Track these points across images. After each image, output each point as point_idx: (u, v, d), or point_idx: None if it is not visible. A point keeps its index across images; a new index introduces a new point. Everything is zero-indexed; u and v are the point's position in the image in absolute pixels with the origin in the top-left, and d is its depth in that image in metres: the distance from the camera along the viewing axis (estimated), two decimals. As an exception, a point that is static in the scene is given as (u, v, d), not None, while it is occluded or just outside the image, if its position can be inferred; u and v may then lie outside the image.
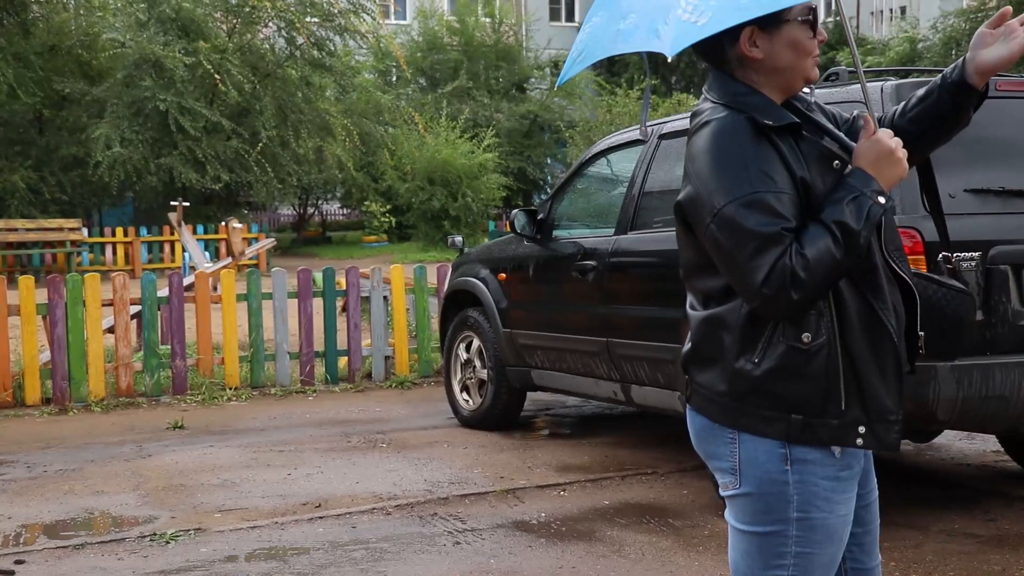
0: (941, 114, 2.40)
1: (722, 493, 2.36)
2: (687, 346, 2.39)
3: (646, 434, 7.31)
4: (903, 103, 2.47)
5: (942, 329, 2.42)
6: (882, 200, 2.18)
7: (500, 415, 7.45)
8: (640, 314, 6.01)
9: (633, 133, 6.59)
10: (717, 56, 2.32)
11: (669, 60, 2.23)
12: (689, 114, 6.63)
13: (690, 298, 2.41)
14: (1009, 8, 2.40)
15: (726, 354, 2.25)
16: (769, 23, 2.24)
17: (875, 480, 2.46)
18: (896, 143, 2.24)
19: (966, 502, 5.50)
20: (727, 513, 2.38)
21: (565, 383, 6.86)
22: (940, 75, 2.41)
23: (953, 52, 28.26)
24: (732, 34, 2.24)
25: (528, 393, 7.59)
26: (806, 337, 2.19)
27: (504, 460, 6.63)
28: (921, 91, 2.45)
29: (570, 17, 42.95)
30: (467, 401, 7.68)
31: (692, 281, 2.39)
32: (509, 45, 34.49)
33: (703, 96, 2.37)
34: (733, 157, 2.18)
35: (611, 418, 8.00)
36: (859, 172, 2.21)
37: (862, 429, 2.24)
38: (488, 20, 33.97)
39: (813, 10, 2.29)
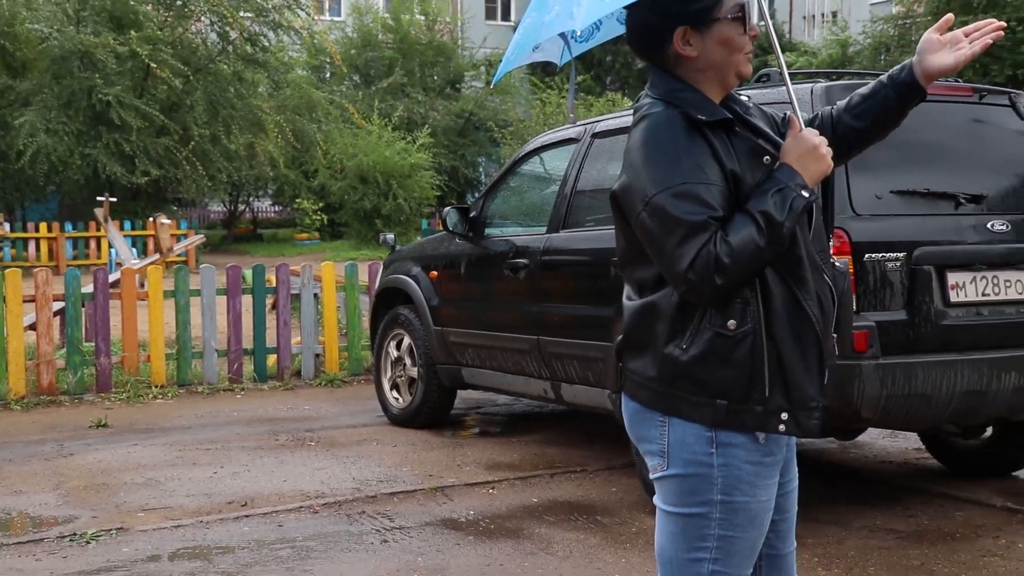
0: (886, 111, 2.51)
1: (651, 476, 2.43)
2: (622, 336, 2.45)
3: (576, 432, 7.32)
4: (845, 100, 2.56)
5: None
6: (805, 193, 2.27)
7: (430, 413, 7.42)
8: (571, 312, 6.02)
9: (566, 132, 6.60)
10: (656, 55, 2.41)
11: (578, 32, 2.36)
12: (621, 113, 6.68)
13: (626, 289, 2.48)
14: (951, 16, 2.50)
15: (657, 341, 2.32)
16: (700, 22, 2.34)
17: (796, 470, 2.53)
18: (820, 140, 2.33)
19: (888, 499, 5.57)
20: (656, 496, 2.45)
21: (496, 381, 6.85)
22: (887, 74, 2.52)
23: (882, 56, 28.71)
24: (667, 34, 2.35)
25: (459, 391, 7.57)
26: (731, 324, 2.26)
27: (434, 458, 6.60)
28: (865, 90, 2.54)
29: (506, 16, 42.98)
30: (397, 399, 7.64)
31: (627, 270, 2.45)
32: (444, 43, 34.40)
33: (644, 92, 2.45)
34: (666, 149, 2.27)
35: (541, 416, 8.01)
36: (785, 167, 2.31)
37: (784, 415, 2.31)
38: (423, 18, 33.85)
39: (743, 7, 2.37)
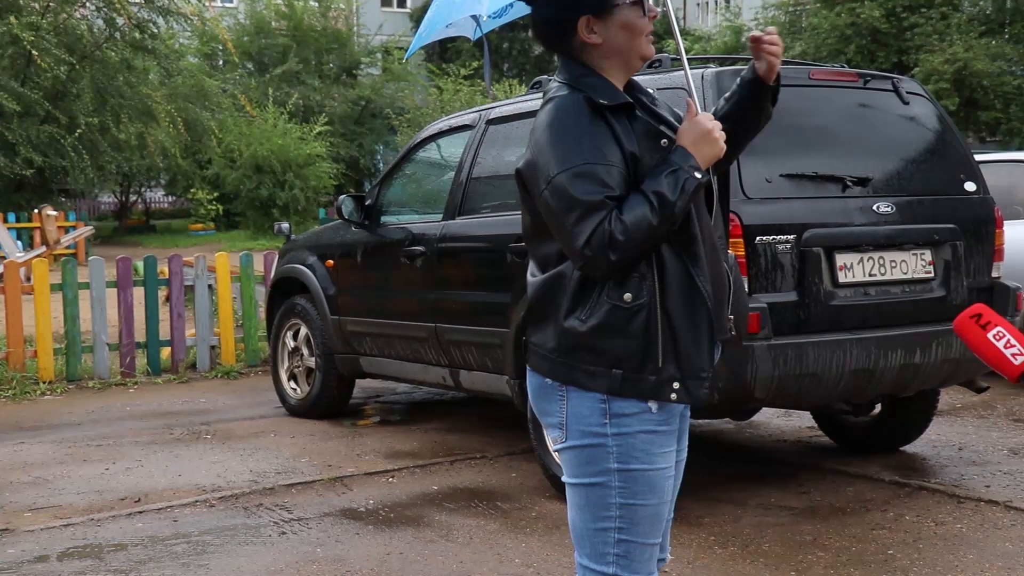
0: (744, 110, 2.66)
1: (553, 448, 2.56)
2: (526, 311, 2.57)
3: (475, 419, 7.32)
4: (715, 105, 2.71)
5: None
6: (698, 175, 2.37)
7: (328, 403, 7.36)
8: (469, 299, 6.01)
9: (461, 119, 6.57)
10: (563, 45, 2.51)
11: (484, 16, 2.49)
12: (515, 100, 6.67)
13: (530, 265, 2.57)
14: (758, 34, 2.62)
15: (558, 313, 2.43)
16: (601, 9, 2.44)
17: (687, 443, 2.65)
18: (714, 124, 2.44)
19: (782, 476, 5.68)
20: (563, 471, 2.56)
21: (394, 369, 6.81)
22: (740, 75, 2.67)
23: (773, 44, 29.19)
24: (572, 24, 2.45)
25: (357, 380, 7.51)
26: (627, 297, 2.37)
27: (332, 448, 6.54)
28: (727, 94, 2.70)
29: (401, 3, 42.72)
30: (295, 390, 7.56)
31: (532, 246, 2.54)
32: (339, 30, 34.07)
33: (552, 77, 2.58)
34: (569, 131, 2.37)
35: (441, 404, 7.99)
36: (680, 149, 2.41)
37: (676, 385, 2.41)
38: (317, 4, 33.47)
39: None
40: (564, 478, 2.54)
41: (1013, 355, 2.22)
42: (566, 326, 2.41)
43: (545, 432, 5.07)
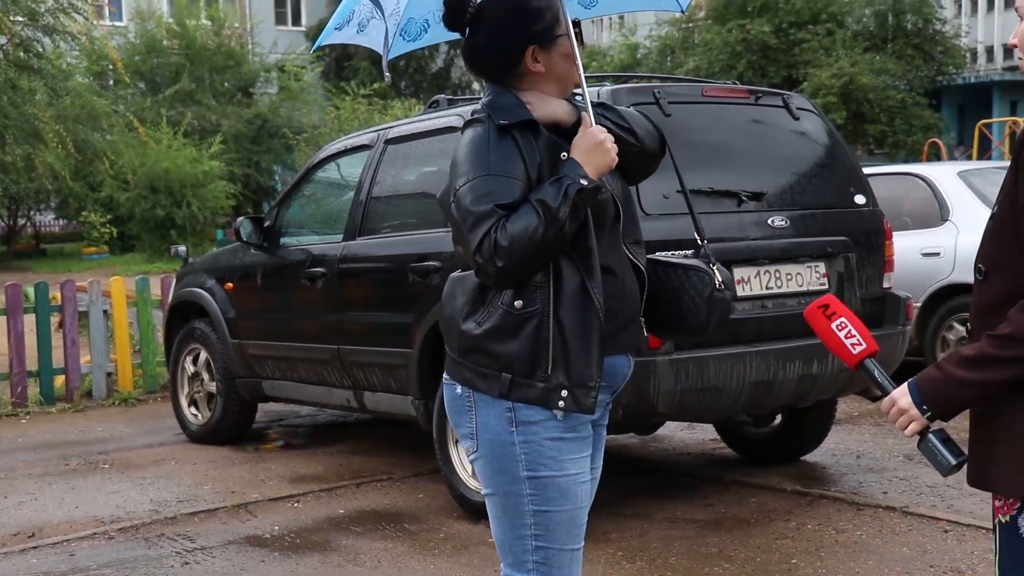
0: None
1: (468, 459, 2.66)
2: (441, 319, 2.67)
3: (381, 440, 7.28)
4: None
5: (688, 308, 2.70)
6: (583, 181, 2.46)
7: (231, 428, 7.25)
8: (371, 320, 5.98)
9: (359, 138, 6.55)
10: (504, 72, 2.61)
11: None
12: (413, 119, 6.65)
13: None
14: None
15: (458, 316, 2.55)
16: (546, 40, 2.58)
17: (600, 461, 2.73)
18: (605, 136, 2.53)
19: (687, 489, 5.75)
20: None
21: (297, 392, 6.74)
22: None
23: (668, 59, 29.68)
24: (519, 54, 2.57)
25: (260, 404, 7.41)
26: (518, 303, 2.47)
27: (236, 474, 6.44)
28: None
29: (296, 21, 42.38)
30: (196, 415, 7.43)
31: (457, 253, 2.65)
32: (233, 49, 33.64)
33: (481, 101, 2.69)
34: (477, 149, 2.51)
35: (346, 426, 7.93)
36: (571, 160, 2.52)
37: (564, 393, 2.48)
38: (210, 23, 33.00)
39: (578, 22, 2.66)
40: (482, 490, 2.63)
41: (852, 345, 2.34)
42: (463, 328, 2.53)
43: (454, 452, 5.06)
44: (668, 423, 6.35)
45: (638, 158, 2.71)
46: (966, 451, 2.23)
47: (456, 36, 2.76)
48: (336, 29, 2.88)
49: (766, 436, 6.30)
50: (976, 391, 2.13)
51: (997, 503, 2.21)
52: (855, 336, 2.34)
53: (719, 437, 6.63)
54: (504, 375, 2.48)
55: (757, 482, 5.79)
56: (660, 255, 2.86)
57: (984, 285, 2.20)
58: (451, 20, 2.63)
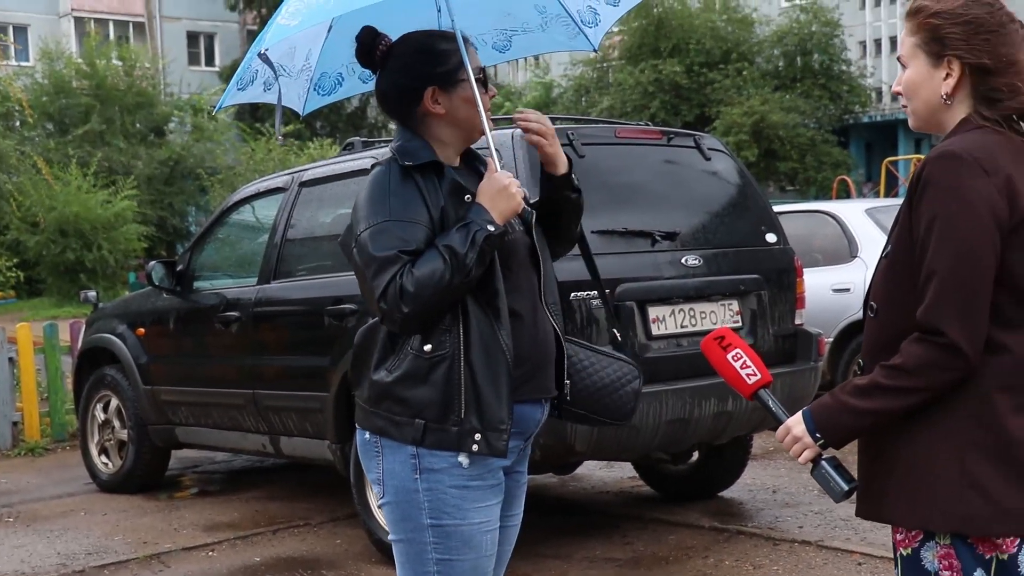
0: (549, 200, 2.79)
1: (378, 504, 2.66)
2: (350, 367, 2.68)
3: (298, 486, 7.18)
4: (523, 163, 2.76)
5: (616, 398, 2.78)
6: (491, 227, 2.47)
7: (143, 476, 7.10)
8: (287, 364, 5.92)
9: (274, 181, 6.50)
10: (406, 112, 2.62)
11: (264, 51, 2.62)
12: (327, 162, 6.63)
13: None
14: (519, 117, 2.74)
15: (371, 365, 2.54)
16: (447, 82, 2.58)
17: (521, 508, 2.71)
18: (511, 181, 2.55)
19: (606, 528, 5.75)
20: None
21: (212, 438, 6.64)
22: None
23: (583, 98, 30.00)
24: (418, 94, 2.57)
25: (174, 451, 7.28)
26: (428, 348, 2.47)
27: (148, 524, 6.30)
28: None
29: (209, 62, 42.10)
30: (107, 464, 7.26)
31: (366, 304, 2.62)
32: (144, 89, 33.23)
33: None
34: (379, 193, 2.50)
35: (262, 471, 7.81)
36: (476, 205, 2.52)
37: (478, 436, 2.48)
38: (120, 63, 32.59)
39: (483, 69, 2.66)
40: (389, 536, 2.60)
41: (748, 375, 2.37)
42: (375, 378, 2.52)
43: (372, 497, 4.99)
44: (587, 462, 6.36)
45: (574, 210, 2.78)
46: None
47: (370, 88, 2.77)
48: (239, 89, 2.84)
49: (684, 473, 6.33)
50: (868, 420, 2.17)
51: (898, 536, 2.24)
52: (750, 367, 2.37)
53: (637, 475, 6.65)
54: (417, 421, 2.46)
55: (675, 519, 5.82)
56: (581, 342, 2.86)
57: (876, 323, 2.25)
58: (362, 56, 2.63)
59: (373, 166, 2.63)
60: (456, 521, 2.49)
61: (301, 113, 2.99)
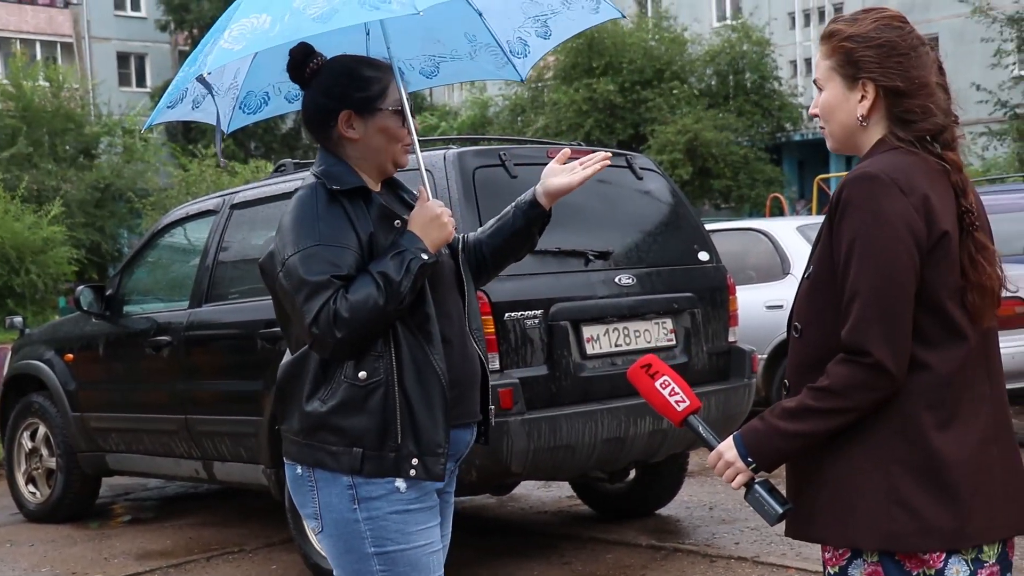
0: (514, 231, 2.82)
1: (315, 538, 2.54)
2: (274, 398, 2.69)
3: (232, 512, 7.09)
4: (485, 226, 2.86)
5: None
6: (424, 256, 2.48)
7: (72, 505, 6.97)
8: (220, 388, 5.85)
9: (205, 203, 6.43)
10: (322, 133, 2.61)
11: (205, 74, 2.59)
12: (259, 184, 6.58)
13: (287, 354, 2.61)
14: (568, 150, 2.90)
15: (301, 395, 2.50)
16: (364, 109, 2.56)
17: (449, 527, 2.71)
18: (443, 210, 2.56)
19: (545, 548, 5.74)
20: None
21: (144, 465, 6.54)
22: (516, 201, 2.82)
23: (519, 119, 30.07)
24: (334, 115, 2.55)
25: (105, 479, 7.15)
26: (362, 375, 2.45)
27: (78, 553, 6.18)
28: (500, 215, 2.86)
29: (140, 83, 41.64)
30: (34, 493, 7.12)
31: (284, 331, 2.63)
32: (73, 111, 32.75)
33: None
34: (306, 217, 2.48)
35: (196, 497, 7.70)
36: (409, 232, 2.54)
37: (415, 461, 2.47)
38: (48, 84, 32.10)
39: (406, 102, 2.62)
40: (333, 571, 2.58)
41: (676, 402, 2.37)
42: (308, 409, 2.48)
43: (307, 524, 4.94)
44: (524, 482, 6.36)
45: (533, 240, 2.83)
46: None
47: (296, 108, 2.76)
48: (169, 107, 2.84)
49: (621, 491, 6.35)
50: (799, 442, 2.18)
51: (826, 555, 2.26)
52: (679, 393, 2.37)
53: (575, 494, 6.65)
54: (355, 449, 2.45)
55: (613, 538, 5.82)
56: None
57: (801, 343, 2.27)
58: (293, 71, 2.61)
59: (296, 190, 2.60)
60: (401, 546, 2.49)
61: (225, 131, 2.97)
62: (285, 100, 2.96)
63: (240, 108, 2.97)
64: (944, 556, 2.15)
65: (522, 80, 3.18)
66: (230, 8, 2.77)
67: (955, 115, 2.26)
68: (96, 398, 6.69)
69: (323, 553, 5.08)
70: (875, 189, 2.13)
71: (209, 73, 2.68)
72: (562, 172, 2.79)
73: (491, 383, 2.73)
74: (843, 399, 2.13)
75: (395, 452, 2.46)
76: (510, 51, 3.07)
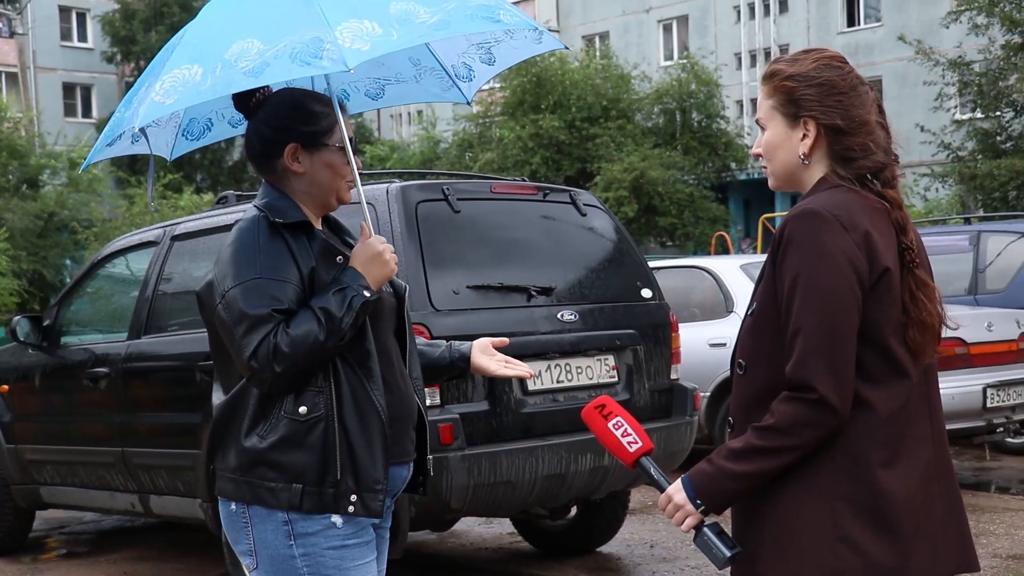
0: (438, 366, 2.88)
1: (248, 575, 2.57)
2: (209, 435, 2.57)
3: (168, 546, 6.99)
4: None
5: None
6: (367, 293, 2.48)
7: (5, 539, 6.85)
8: (157, 421, 5.79)
9: (145, 235, 6.38)
10: (266, 165, 2.60)
11: (136, 128, 2.56)
12: (200, 216, 6.55)
13: (215, 389, 2.61)
14: (506, 340, 2.96)
15: (239, 432, 2.47)
16: (311, 143, 2.55)
17: (384, 563, 2.67)
18: (385, 247, 2.55)
19: (485, 585, 5.72)
20: None
21: (79, 498, 6.44)
22: (452, 343, 2.91)
23: (467, 154, 30.14)
24: (279, 147, 2.55)
25: (39, 512, 7.02)
26: (303, 410, 2.44)
27: (9, 590, 6.06)
28: (435, 344, 2.93)
29: (87, 113, 41.28)
30: (-34, 527, 6.97)
31: (217, 364, 2.60)
32: (17, 141, 32.35)
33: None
34: (247, 249, 2.47)
35: (132, 531, 7.59)
36: (351, 269, 2.52)
37: (354, 497, 2.46)
38: (-8, 114, 31.69)
39: (352, 140, 2.61)
40: None
41: (629, 443, 2.37)
42: (246, 445, 2.45)
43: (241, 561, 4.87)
44: (466, 518, 6.32)
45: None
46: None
47: (240, 132, 2.74)
48: (108, 146, 2.81)
49: (562, 528, 6.33)
50: (746, 483, 2.19)
51: None
52: (631, 435, 2.37)
53: (516, 531, 6.63)
54: (295, 486, 2.43)
55: (553, 575, 5.80)
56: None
57: (744, 380, 2.28)
58: (238, 100, 2.60)
59: (236, 222, 2.58)
60: None
61: (168, 158, 2.94)
62: (229, 125, 2.94)
63: (183, 135, 2.94)
64: (885, 595, 2.16)
65: (468, 102, 3.19)
66: (163, 51, 2.74)
67: (895, 153, 2.30)
68: (32, 430, 6.59)
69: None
70: (817, 225, 2.15)
71: (143, 128, 2.67)
72: (491, 358, 2.87)
73: (432, 418, 2.75)
74: (789, 437, 2.14)
75: (334, 488, 2.44)
76: (455, 75, 3.08)
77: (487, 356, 2.86)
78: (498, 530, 7.00)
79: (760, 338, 2.24)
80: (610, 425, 2.38)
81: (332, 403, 2.45)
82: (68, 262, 32.08)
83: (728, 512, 2.30)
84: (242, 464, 2.46)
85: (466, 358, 2.85)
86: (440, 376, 2.94)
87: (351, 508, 2.45)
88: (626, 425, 2.38)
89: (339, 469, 2.44)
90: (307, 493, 2.43)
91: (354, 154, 2.62)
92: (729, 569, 2.28)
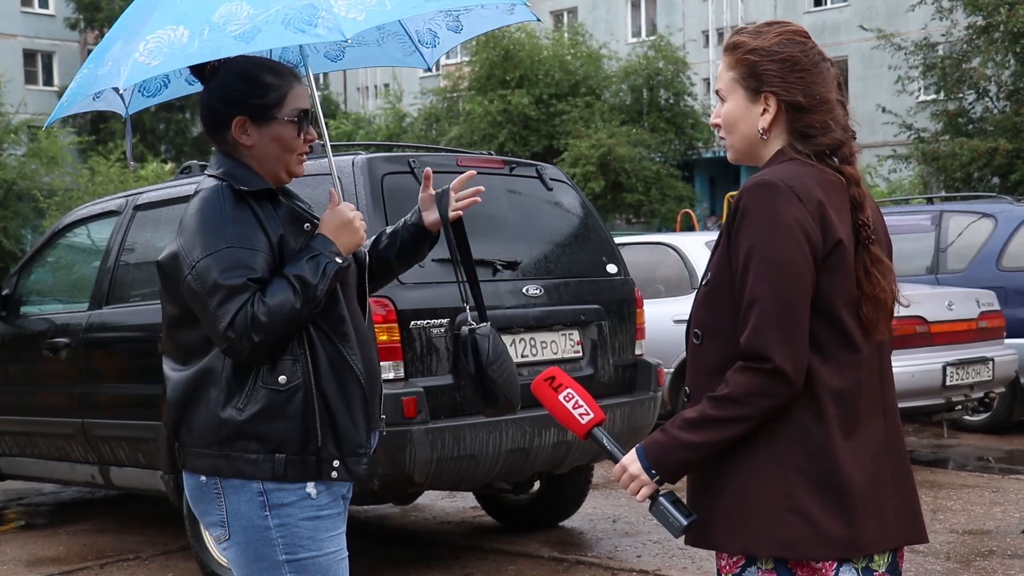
0: (403, 247, 2.85)
1: (218, 547, 2.57)
2: (171, 410, 2.53)
3: (128, 518, 6.94)
4: (378, 236, 2.85)
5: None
6: (339, 260, 2.48)
7: (-38, 511, 6.77)
8: (118, 392, 5.74)
9: (107, 204, 6.31)
10: (217, 136, 2.56)
11: (121, 90, 2.56)
12: (163, 185, 6.48)
13: (167, 363, 2.57)
14: (429, 171, 2.86)
15: (213, 405, 2.44)
16: (260, 116, 2.51)
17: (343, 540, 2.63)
18: (355, 214, 2.55)
19: (447, 559, 5.71)
20: (232, 568, 2.54)
21: (38, 469, 6.38)
22: (405, 217, 2.86)
23: (433, 127, 30.05)
24: (228, 119, 2.50)
25: (-3, 483, 6.97)
26: (282, 379, 2.43)
27: (-34, 561, 6.01)
28: (390, 228, 2.89)
29: (48, 81, 40.77)
30: (-78, 498, 6.91)
31: (174, 336, 2.55)
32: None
33: (205, 172, 2.63)
34: (214, 218, 2.43)
35: (92, 503, 7.53)
36: (321, 236, 2.52)
37: (336, 463, 2.47)
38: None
39: (301, 113, 2.55)
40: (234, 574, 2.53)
41: (580, 415, 2.37)
42: (223, 417, 2.42)
43: (207, 533, 4.86)
44: (429, 492, 6.32)
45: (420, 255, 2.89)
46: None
47: (197, 89, 2.69)
48: (70, 104, 2.78)
49: (525, 503, 6.34)
50: (701, 452, 2.20)
51: (721, 562, 2.28)
52: (583, 406, 2.37)
53: (479, 505, 6.63)
54: (278, 456, 2.42)
55: (516, 549, 5.81)
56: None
57: (701, 349, 2.29)
58: (193, 65, 2.56)
59: (198, 191, 2.54)
60: (313, 553, 2.47)
61: (125, 115, 2.90)
62: (186, 83, 2.89)
63: (140, 91, 2.91)
64: (836, 565, 2.18)
65: (428, 68, 3.17)
66: (138, 5, 2.70)
67: (853, 131, 2.31)
68: (-10, 401, 6.51)
69: (223, 562, 5.02)
70: (773, 196, 2.15)
71: (125, 89, 2.63)
72: (432, 204, 2.84)
73: (396, 391, 2.73)
74: (744, 407, 2.15)
75: (315, 455, 2.44)
76: (419, 40, 3.07)
77: (428, 211, 2.82)
78: (461, 504, 7.01)
79: (715, 308, 2.25)
80: (561, 397, 2.38)
81: (309, 370, 2.45)
82: (28, 232, 31.75)
83: (684, 481, 2.30)
84: (220, 438, 2.43)
85: (416, 224, 2.82)
86: (411, 251, 2.87)
87: (334, 474, 2.46)
88: (577, 397, 2.38)
89: (320, 436, 2.44)
90: (290, 462, 2.43)
91: (316, 124, 2.59)
92: (684, 537, 2.29)
